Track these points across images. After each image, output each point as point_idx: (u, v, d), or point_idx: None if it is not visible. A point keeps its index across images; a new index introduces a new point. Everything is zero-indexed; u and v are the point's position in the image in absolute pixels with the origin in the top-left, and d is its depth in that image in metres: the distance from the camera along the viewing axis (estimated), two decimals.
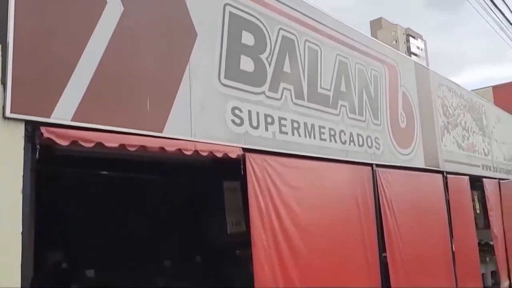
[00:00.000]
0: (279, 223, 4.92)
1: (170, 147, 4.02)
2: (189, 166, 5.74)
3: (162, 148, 3.95)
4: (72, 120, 3.43)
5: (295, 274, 4.98)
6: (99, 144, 3.49)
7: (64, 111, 3.40)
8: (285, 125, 5.32)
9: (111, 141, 3.57)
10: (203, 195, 7.09)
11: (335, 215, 5.87)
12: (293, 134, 5.42)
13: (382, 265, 6.47)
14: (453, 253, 8.53)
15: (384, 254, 6.58)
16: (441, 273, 8.19)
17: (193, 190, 7.16)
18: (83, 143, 3.38)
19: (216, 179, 6.46)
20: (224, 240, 6.64)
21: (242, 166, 4.64)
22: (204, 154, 4.33)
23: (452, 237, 8.60)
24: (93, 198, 5.95)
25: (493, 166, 11.43)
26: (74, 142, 3.34)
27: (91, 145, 3.43)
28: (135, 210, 6.45)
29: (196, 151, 4.24)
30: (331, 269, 5.56)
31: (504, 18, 15.76)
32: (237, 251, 6.64)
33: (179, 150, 4.10)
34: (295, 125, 5.47)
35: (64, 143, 3.27)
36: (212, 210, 6.92)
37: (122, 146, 3.65)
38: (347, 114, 6.39)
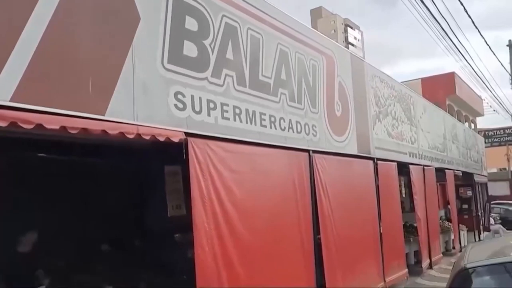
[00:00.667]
0: (220, 205, 5.07)
1: (113, 130, 4.02)
2: (130, 150, 5.71)
3: (104, 131, 3.95)
4: (11, 100, 3.34)
5: (235, 255, 5.16)
6: (39, 126, 3.43)
7: (2, 91, 3.31)
8: (227, 111, 5.45)
9: (52, 123, 3.52)
10: (143, 180, 7.07)
11: (273, 199, 6.11)
12: (234, 120, 5.56)
13: (316, 246, 6.84)
14: (380, 234, 9.15)
15: (318, 236, 6.95)
16: (370, 253, 8.76)
17: (134, 174, 7.12)
18: (22, 125, 3.32)
19: (157, 163, 6.48)
20: (164, 224, 6.69)
21: (184, 150, 4.72)
22: (147, 138, 4.36)
23: (380, 220, 9.21)
24: (29, 182, 5.77)
25: (419, 154, 12.27)
26: (13, 124, 3.26)
27: (30, 126, 3.37)
28: (74, 194, 6.32)
29: (138, 135, 4.26)
30: (269, 250, 5.81)
31: (429, 14, 16.76)
32: (176, 235, 6.72)
33: (122, 133, 4.11)
34: (237, 111, 5.60)
35: (2, 124, 3.19)
36: (153, 194, 6.93)
37: (63, 128, 3.61)
38: (287, 102, 6.62)
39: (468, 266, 3.22)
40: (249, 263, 5.35)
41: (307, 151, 6.97)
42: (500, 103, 29.47)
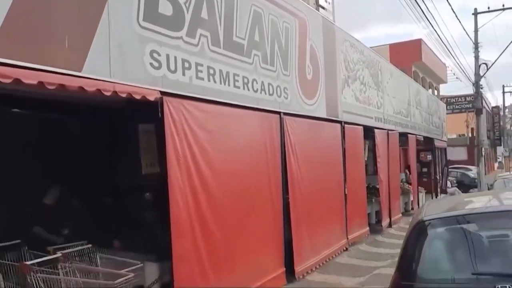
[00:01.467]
0: (194, 164, 5.22)
1: (90, 87, 4.05)
2: (104, 108, 5.72)
3: (82, 88, 3.97)
4: None
5: (208, 212, 5.37)
6: (17, 81, 3.43)
7: None
8: (201, 71, 5.51)
9: (30, 78, 3.53)
10: (117, 138, 7.08)
11: (245, 159, 6.31)
12: (209, 80, 5.63)
13: (285, 204, 7.14)
14: (345, 194, 9.58)
15: (286, 196, 7.24)
16: (335, 212, 9.19)
17: (107, 132, 7.12)
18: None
19: (131, 121, 6.50)
20: (136, 182, 6.80)
21: (159, 109, 4.80)
22: (123, 95, 4.41)
23: (346, 181, 9.62)
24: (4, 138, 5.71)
25: (384, 118, 12.68)
26: None
27: (8, 81, 3.37)
28: (46, 151, 6.30)
29: (115, 92, 4.30)
30: (241, 208, 6.05)
31: None
32: (147, 194, 6.83)
33: (98, 90, 4.14)
34: (211, 71, 5.67)
35: None
36: (126, 152, 6.97)
37: (41, 83, 3.62)
38: (259, 63, 6.71)
39: (425, 219, 3.53)
40: (221, 219, 5.58)
41: (278, 113, 7.15)
42: (463, 71, 30.35)
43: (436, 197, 19.70)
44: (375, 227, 11.82)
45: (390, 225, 12.46)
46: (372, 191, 12.32)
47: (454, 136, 36.39)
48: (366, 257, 8.98)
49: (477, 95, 20.82)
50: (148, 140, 6.12)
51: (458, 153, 30.92)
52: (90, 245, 5.14)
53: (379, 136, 11.91)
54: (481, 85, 20.99)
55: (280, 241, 7.01)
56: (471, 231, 3.37)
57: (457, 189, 22.58)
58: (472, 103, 41.89)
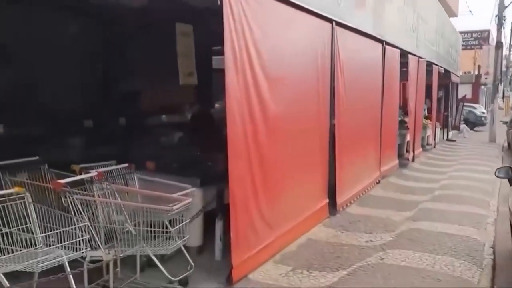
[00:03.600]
0: (250, 70, 4.27)
1: None
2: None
3: None
4: None
5: (263, 130, 4.51)
6: None
7: None
8: None
9: None
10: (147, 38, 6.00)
11: (299, 71, 5.38)
12: None
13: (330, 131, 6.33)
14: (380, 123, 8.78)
15: (333, 122, 6.39)
16: (373, 142, 8.44)
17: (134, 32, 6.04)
18: None
19: (166, 21, 5.37)
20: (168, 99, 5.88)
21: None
22: None
23: (382, 109, 8.77)
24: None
25: (417, 44, 11.62)
26: None
27: None
28: (60, 55, 5.32)
29: None
30: (291, 128, 5.17)
31: None
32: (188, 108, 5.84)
33: None
34: None
35: None
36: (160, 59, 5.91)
37: None
38: None
39: None
40: (273, 138, 4.73)
41: (331, 21, 6.10)
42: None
43: (447, 133, 19.17)
44: (400, 161, 11.17)
45: (412, 159, 11.83)
46: (400, 124, 11.54)
47: (460, 73, 35.43)
48: (401, 191, 8.34)
49: (500, 27, 19.60)
50: (186, 44, 5.06)
51: (463, 91, 30.18)
52: (126, 164, 4.28)
53: (411, 63, 10.94)
54: (505, 16, 19.68)
55: (326, 170, 6.26)
56: None
57: (465, 126, 22.08)
58: (478, 40, 40.79)
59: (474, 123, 26.06)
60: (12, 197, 3.06)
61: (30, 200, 3.17)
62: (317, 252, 4.93)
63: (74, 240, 3.07)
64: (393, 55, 9.35)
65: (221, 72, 3.97)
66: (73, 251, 3.10)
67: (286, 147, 5.07)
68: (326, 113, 6.15)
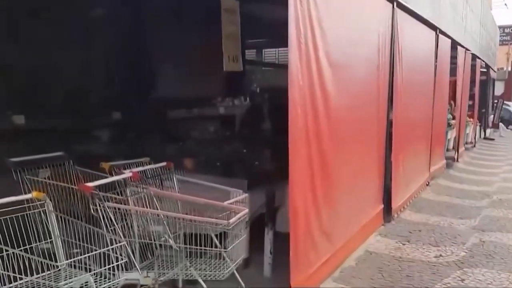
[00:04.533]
0: (314, 52, 3.55)
1: None
2: None
3: None
4: None
5: (324, 125, 3.78)
6: None
7: None
8: None
9: None
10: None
11: (360, 59, 4.64)
12: None
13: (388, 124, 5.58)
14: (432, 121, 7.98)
15: (390, 117, 5.64)
16: (424, 140, 7.67)
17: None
18: None
19: None
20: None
21: None
22: None
23: (434, 104, 7.97)
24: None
25: (465, 34, 10.73)
26: None
27: None
28: (85, 37, 4.70)
29: None
30: (350, 123, 4.45)
31: None
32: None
33: None
34: None
35: None
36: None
37: None
38: None
39: None
40: (334, 135, 3.99)
41: (392, 0, 5.34)
42: None
43: (484, 131, 18.12)
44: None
45: (457, 159, 10.96)
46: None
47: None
48: (455, 194, 7.52)
49: None
50: (231, 23, 4.35)
51: (497, 88, 28.86)
52: (164, 163, 3.61)
53: (461, 55, 10.07)
54: None
55: (382, 170, 5.55)
56: None
57: (501, 124, 20.97)
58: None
59: (509, 121, 24.82)
60: (29, 204, 2.42)
61: (51, 208, 2.51)
62: (382, 269, 4.20)
63: (108, 266, 2.39)
64: (445, 46, 8.52)
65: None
66: (105, 277, 2.43)
67: (346, 146, 4.35)
68: (384, 107, 5.42)
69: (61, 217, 2.62)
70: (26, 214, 2.35)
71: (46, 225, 2.58)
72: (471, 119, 14.08)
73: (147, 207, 3.16)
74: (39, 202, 2.46)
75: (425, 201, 6.97)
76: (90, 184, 2.68)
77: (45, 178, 3.52)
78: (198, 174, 4.01)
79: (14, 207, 2.34)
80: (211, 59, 5.38)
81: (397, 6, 5.45)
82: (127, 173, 3.10)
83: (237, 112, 6.61)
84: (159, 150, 4.87)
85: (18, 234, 2.36)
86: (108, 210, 2.65)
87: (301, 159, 3.43)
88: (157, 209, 3.12)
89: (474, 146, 14.47)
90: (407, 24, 6.02)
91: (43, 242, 2.49)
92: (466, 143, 14.20)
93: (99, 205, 2.63)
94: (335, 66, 3.87)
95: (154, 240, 2.99)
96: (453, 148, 10.91)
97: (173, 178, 3.57)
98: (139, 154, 4.21)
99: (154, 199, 3.11)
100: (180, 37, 5.66)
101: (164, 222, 3.00)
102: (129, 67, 5.65)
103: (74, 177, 3.81)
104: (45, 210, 2.51)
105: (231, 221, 2.57)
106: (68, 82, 5.33)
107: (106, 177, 3.64)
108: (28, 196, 2.46)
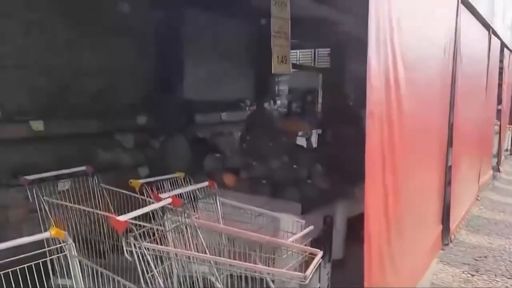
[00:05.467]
0: (392, 56, 2.93)
1: None
2: None
3: None
4: None
5: (398, 143, 3.15)
6: None
7: None
8: None
9: None
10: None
11: (432, 60, 4.01)
12: None
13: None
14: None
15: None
16: (476, 151, 6.96)
17: None
18: None
19: None
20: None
21: None
22: None
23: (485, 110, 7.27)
24: None
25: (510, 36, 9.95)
26: None
27: None
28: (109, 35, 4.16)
29: None
30: (420, 141, 3.82)
31: None
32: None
33: None
34: None
35: None
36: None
37: None
38: None
39: None
40: (407, 152, 3.37)
41: None
42: None
43: None
44: None
45: (498, 169, 10.19)
46: None
47: None
48: (509, 211, 6.80)
49: None
50: (282, 17, 3.71)
51: None
52: (206, 183, 3.01)
53: (507, 58, 9.34)
54: None
55: (442, 185, 4.86)
56: None
57: None
58: None
59: None
60: (49, 248, 1.84)
61: (75, 252, 1.93)
62: None
63: None
64: (496, 48, 7.81)
65: None
66: None
67: (414, 158, 3.71)
68: (446, 115, 4.75)
69: (86, 264, 2.03)
70: (42, 262, 1.77)
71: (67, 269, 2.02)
72: (511, 125, 13.27)
73: (187, 239, 2.57)
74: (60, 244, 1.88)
75: (479, 219, 6.26)
76: (123, 218, 2.08)
77: (65, 193, 3.00)
78: (240, 193, 3.43)
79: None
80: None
81: (461, 2, 4.79)
82: (166, 198, 2.50)
83: (277, 118, 6.01)
84: (192, 161, 4.31)
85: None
86: (146, 252, 2.06)
87: (377, 177, 2.82)
88: (202, 243, 2.52)
89: (511, 153, 13.65)
90: (467, 22, 5.35)
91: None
92: (505, 150, 13.43)
93: (135, 246, 2.05)
94: (411, 73, 3.24)
95: (198, 284, 2.40)
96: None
97: (216, 202, 2.97)
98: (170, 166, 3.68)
99: (199, 232, 2.51)
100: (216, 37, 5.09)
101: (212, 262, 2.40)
102: (161, 69, 5.12)
103: (99, 196, 3.30)
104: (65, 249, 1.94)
105: (307, 273, 1.96)
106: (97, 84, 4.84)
107: (135, 196, 3.13)
108: (45, 235, 1.89)
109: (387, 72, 2.85)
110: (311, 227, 2.60)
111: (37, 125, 4.63)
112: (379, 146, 2.81)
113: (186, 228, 2.55)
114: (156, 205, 2.39)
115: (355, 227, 4.60)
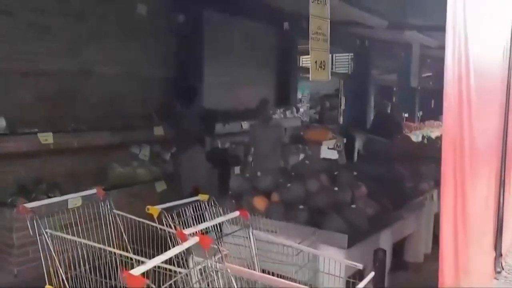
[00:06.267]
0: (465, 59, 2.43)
1: None
2: None
3: None
4: None
5: (468, 158, 2.65)
6: None
7: None
8: None
9: None
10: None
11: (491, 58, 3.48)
12: None
13: None
14: None
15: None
16: None
17: None
18: None
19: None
20: None
21: None
22: None
23: None
24: None
25: None
26: None
27: None
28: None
29: None
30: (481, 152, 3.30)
31: None
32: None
33: None
34: None
35: None
36: None
37: None
38: None
39: None
40: (472, 171, 2.86)
41: None
42: None
43: None
44: None
45: None
46: None
47: None
48: None
49: None
50: (321, 17, 3.23)
51: None
52: (237, 213, 2.52)
53: None
54: None
55: (497, 206, 4.32)
56: None
57: None
58: None
59: None
60: None
61: None
62: None
63: None
64: None
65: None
66: None
67: (477, 174, 3.21)
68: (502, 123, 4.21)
69: None
70: None
71: None
72: None
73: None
74: None
75: None
76: (138, 272, 1.59)
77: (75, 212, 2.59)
78: (272, 220, 2.94)
79: None
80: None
81: None
82: (192, 237, 2.02)
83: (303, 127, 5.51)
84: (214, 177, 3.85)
85: None
86: None
87: (452, 208, 2.33)
88: None
89: None
90: None
91: None
92: None
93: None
94: (479, 77, 2.73)
95: None
96: None
97: (250, 237, 2.47)
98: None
99: (232, 280, 2.02)
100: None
101: None
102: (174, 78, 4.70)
103: (111, 223, 2.88)
104: None
105: None
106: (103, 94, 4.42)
107: (153, 225, 2.71)
108: None
109: (461, 82, 2.35)
110: (372, 274, 2.08)
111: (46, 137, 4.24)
112: (452, 173, 2.32)
113: (216, 273, 2.07)
114: (180, 248, 1.92)
115: (399, 253, 4.11)
